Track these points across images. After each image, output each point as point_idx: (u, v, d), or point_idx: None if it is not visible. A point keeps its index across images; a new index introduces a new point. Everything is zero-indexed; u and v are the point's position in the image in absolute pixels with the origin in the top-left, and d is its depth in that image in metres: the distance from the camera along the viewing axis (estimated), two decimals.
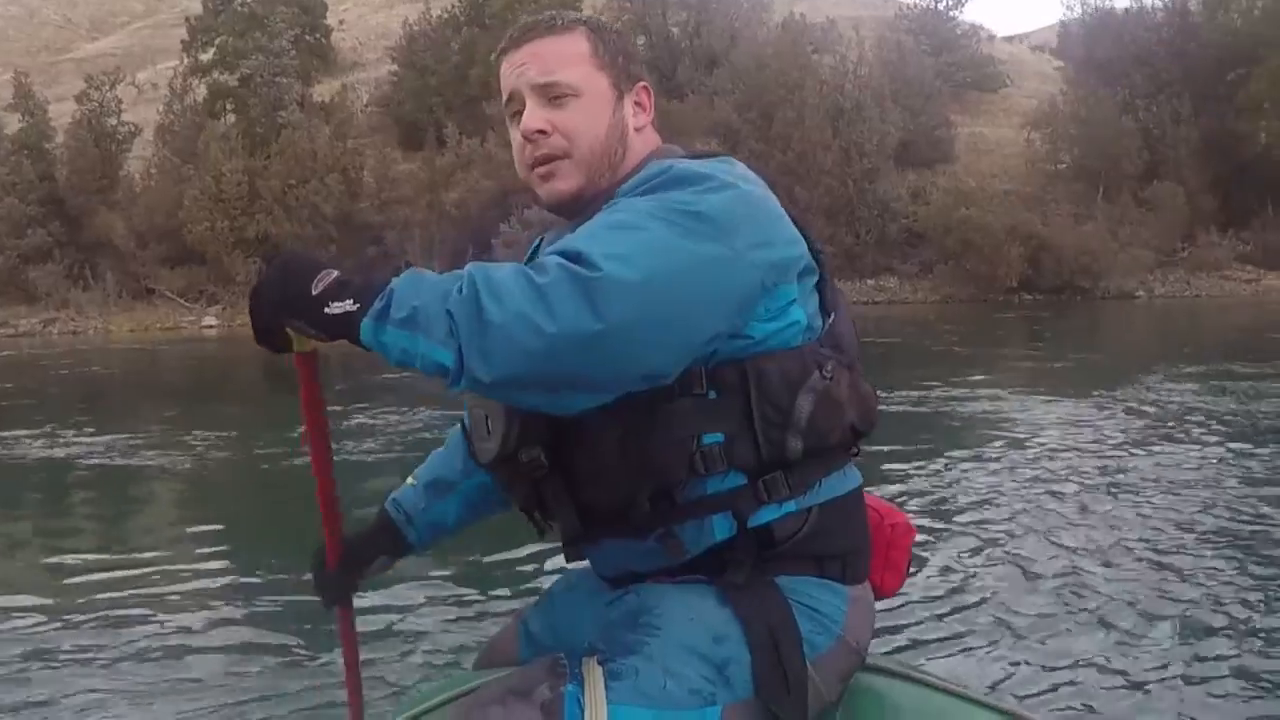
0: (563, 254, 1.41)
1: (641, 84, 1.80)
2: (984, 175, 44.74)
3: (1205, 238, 40.51)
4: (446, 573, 5.37)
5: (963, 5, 52.87)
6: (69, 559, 6.03)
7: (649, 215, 1.47)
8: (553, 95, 1.70)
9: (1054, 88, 54.49)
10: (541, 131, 1.70)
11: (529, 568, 5.42)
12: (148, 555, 6.13)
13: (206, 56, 47.48)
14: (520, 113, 1.74)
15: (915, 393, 12.23)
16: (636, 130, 1.78)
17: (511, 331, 1.35)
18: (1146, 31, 44.98)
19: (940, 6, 52.29)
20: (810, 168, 38.72)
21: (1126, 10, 45.84)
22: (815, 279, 1.67)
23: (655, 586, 1.66)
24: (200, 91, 47.96)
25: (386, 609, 4.77)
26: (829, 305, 1.69)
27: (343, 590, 2.09)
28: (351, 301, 1.45)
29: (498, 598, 5.05)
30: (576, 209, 1.73)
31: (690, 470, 1.55)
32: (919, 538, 2.17)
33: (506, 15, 44.55)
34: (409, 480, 2.21)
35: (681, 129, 40.74)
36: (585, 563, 1.87)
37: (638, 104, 1.79)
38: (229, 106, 46.75)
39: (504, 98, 1.77)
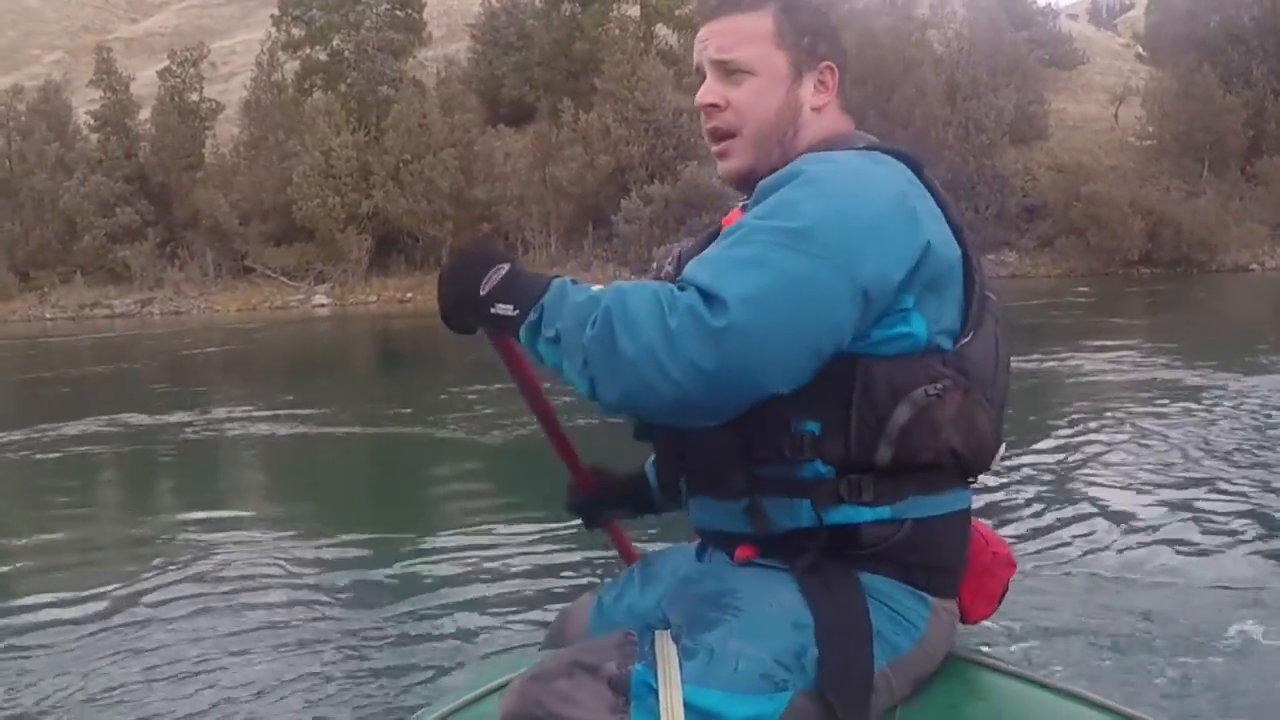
0: (696, 286, 1.43)
1: (826, 63, 1.75)
2: (1079, 151, 45.19)
3: None
4: (532, 552, 5.33)
5: None
6: (217, 533, 6.14)
7: (767, 244, 1.46)
8: (729, 70, 1.72)
9: (1125, 64, 55.38)
10: (714, 105, 1.73)
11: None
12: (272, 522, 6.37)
13: (298, 32, 46.89)
14: (700, 83, 1.77)
15: (1065, 364, 12.37)
16: (814, 110, 1.75)
17: (641, 370, 1.41)
18: (1237, 9, 45.52)
19: None
20: (932, 144, 38.95)
21: None
22: (957, 299, 1.61)
23: (739, 569, 1.67)
24: (290, 67, 47.49)
25: (468, 581, 4.83)
26: (971, 322, 1.62)
27: (594, 513, 2.17)
28: (512, 307, 1.54)
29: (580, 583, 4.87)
30: (749, 184, 1.71)
31: (777, 452, 1.57)
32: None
33: None
34: None
35: None
36: (666, 545, 1.98)
37: (820, 83, 1.75)
38: (318, 82, 46.30)
39: (695, 67, 1.79)
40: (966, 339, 1.61)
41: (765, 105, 1.72)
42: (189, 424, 10.78)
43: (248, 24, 75.31)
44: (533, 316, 1.52)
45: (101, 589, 4.96)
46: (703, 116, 1.76)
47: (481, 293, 1.56)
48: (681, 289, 1.44)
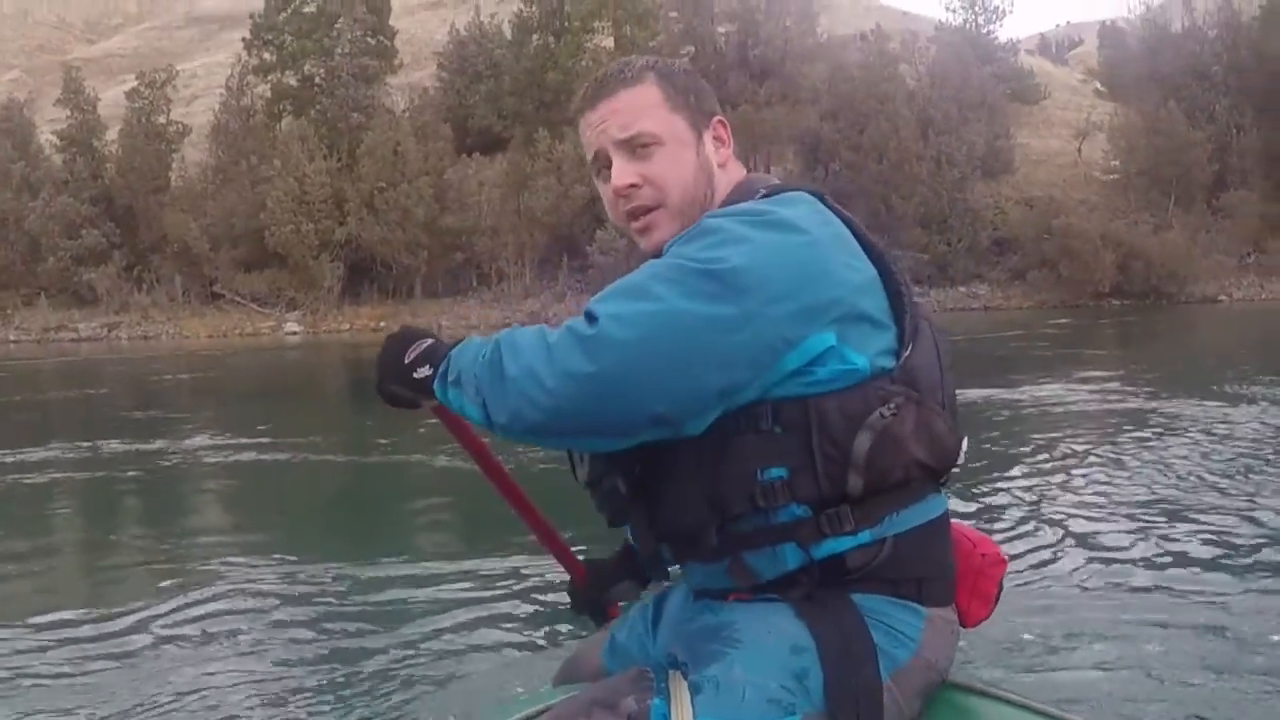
0: (584, 313, 1.54)
1: (717, 118, 1.83)
2: (1044, 185, 45.88)
3: (1274, 243, 42.02)
4: (537, 593, 5.19)
5: (1002, 19, 53.40)
6: (178, 556, 6.10)
7: (657, 278, 1.53)
8: (636, 146, 1.74)
9: (1084, 100, 56.32)
10: (633, 185, 1.74)
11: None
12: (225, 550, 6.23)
13: (269, 56, 46.60)
14: (606, 168, 1.78)
15: (1039, 392, 12.59)
16: (720, 166, 1.81)
17: (522, 385, 1.50)
18: (1199, 45, 46.54)
19: (980, 20, 53.25)
20: (906, 177, 39.41)
21: (1181, 26, 47.15)
22: (887, 317, 1.66)
23: (734, 604, 1.70)
24: (259, 91, 47.15)
25: (474, 625, 4.64)
26: (907, 337, 1.66)
27: (596, 606, 2.26)
28: (428, 367, 1.69)
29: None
30: None
31: (751, 503, 1.59)
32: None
33: (586, 25, 44.84)
34: None
35: (772, 138, 41.31)
36: (667, 582, 2.02)
37: (716, 139, 1.82)
38: (287, 108, 46.02)
39: (589, 155, 1.81)
40: (907, 352, 1.64)
41: (682, 171, 1.75)
42: (162, 450, 10.53)
43: (207, 47, 75.02)
44: (441, 368, 1.66)
45: (61, 619, 4.81)
46: (620, 202, 1.77)
47: (405, 361, 1.72)
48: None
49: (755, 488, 1.58)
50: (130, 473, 9.47)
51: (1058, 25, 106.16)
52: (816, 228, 1.62)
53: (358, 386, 18.41)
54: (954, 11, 52.68)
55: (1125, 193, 44.03)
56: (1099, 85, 57.16)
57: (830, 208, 1.70)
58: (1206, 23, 47.60)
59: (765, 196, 1.71)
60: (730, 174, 1.82)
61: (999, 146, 46.03)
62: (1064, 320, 30.73)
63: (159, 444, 10.95)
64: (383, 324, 39.95)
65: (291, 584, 5.32)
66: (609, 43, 46.10)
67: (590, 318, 1.50)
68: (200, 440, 11.18)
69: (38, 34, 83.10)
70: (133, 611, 4.88)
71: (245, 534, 6.94)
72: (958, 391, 1.79)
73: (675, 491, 1.65)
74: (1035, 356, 19.49)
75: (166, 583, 5.38)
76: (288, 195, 40.16)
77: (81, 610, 4.95)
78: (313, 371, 24.77)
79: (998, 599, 1.85)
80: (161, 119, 48.22)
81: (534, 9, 47.24)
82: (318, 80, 45.78)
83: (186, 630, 4.62)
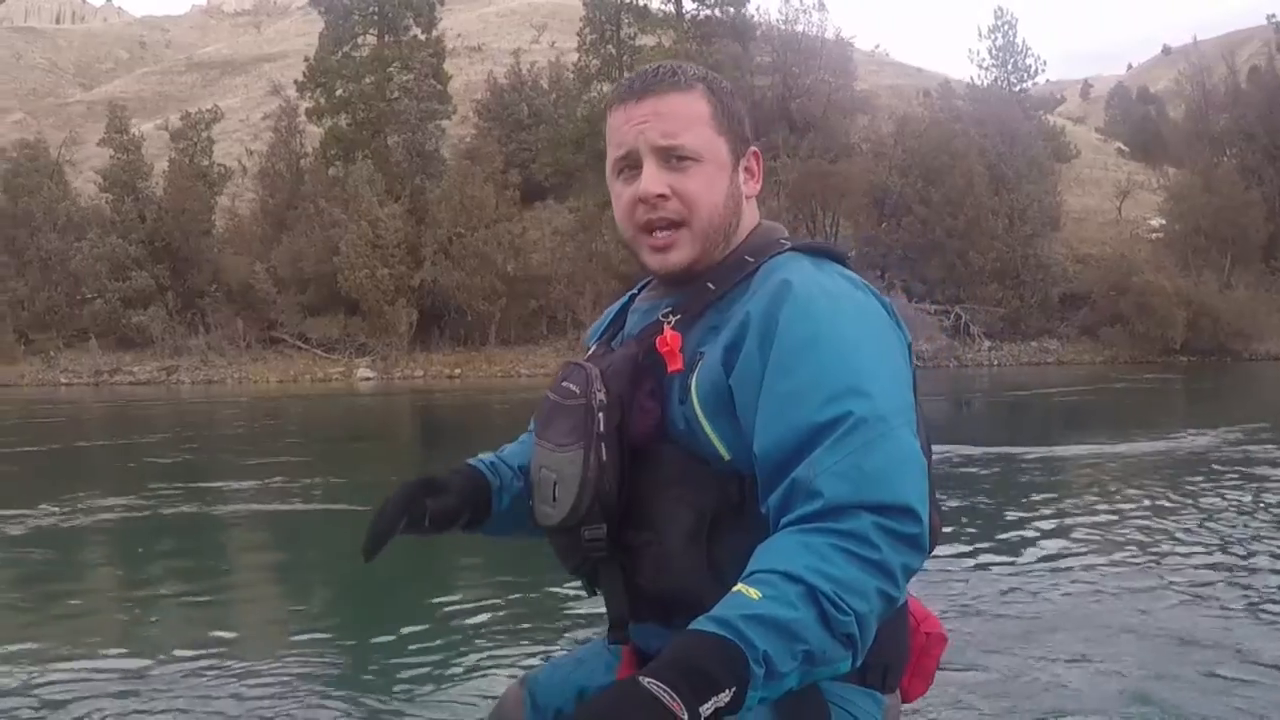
0: (874, 507, 1.40)
1: (753, 149, 1.74)
2: (1093, 242, 46.77)
3: None
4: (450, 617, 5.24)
5: (1034, 79, 54.29)
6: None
7: (892, 415, 1.48)
8: (674, 157, 1.64)
9: (1108, 158, 57.65)
10: (661, 196, 1.64)
11: (528, 625, 5.25)
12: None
13: (322, 99, 46.27)
14: (632, 169, 1.67)
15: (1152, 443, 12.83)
16: (747, 199, 1.73)
17: (880, 615, 1.41)
18: (1244, 108, 47.94)
19: (1012, 79, 54.26)
20: (981, 233, 39.98)
21: (1225, 89, 48.51)
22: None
23: None
24: (308, 135, 46.80)
25: (402, 663, 4.60)
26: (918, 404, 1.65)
27: (382, 536, 1.78)
28: (725, 694, 1.27)
29: (502, 651, 4.78)
30: (685, 280, 1.70)
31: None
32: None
33: None
34: (494, 452, 2.05)
35: (844, 189, 41.71)
36: (603, 639, 1.87)
37: (748, 170, 1.72)
38: (338, 152, 45.66)
39: (616, 151, 1.68)
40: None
41: (714, 194, 1.66)
42: (284, 491, 10.36)
43: (211, 92, 74.28)
44: (759, 672, 1.29)
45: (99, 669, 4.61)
46: (639, 209, 1.66)
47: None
48: (823, 512, 1.40)
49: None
50: (237, 516, 9.24)
51: (1035, 84, 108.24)
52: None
53: (436, 435, 18.63)
54: (986, 69, 53.56)
55: (1172, 251, 44.98)
56: (1121, 145, 58.45)
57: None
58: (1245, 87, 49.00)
59: (791, 250, 1.68)
60: (753, 209, 1.75)
61: (1048, 204, 46.88)
62: (1148, 376, 31.36)
63: (277, 483, 10.82)
64: (458, 370, 39.59)
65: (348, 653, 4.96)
66: None
67: (903, 512, 1.40)
68: (304, 483, 10.96)
69: (30, 78, 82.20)
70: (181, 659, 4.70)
71: (314, 588, 6.71)
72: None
73: (670, 554, 1.58)
74: (1132, 409, 20.42)
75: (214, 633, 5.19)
76: (361, 239, 39.65)
77: (124, 653, 4.84)
78: (395, 418, 24.34)
79: (934, 675, 1.82)
80: (205, 161, 47.68)
81: (591, 59, 47.45)
82: (370, 122, 45.48)
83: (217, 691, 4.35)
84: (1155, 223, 47.39)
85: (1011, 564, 6.30)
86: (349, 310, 41.05)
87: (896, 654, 1.67)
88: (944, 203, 40.50)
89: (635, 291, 1.89)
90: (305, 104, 46.68)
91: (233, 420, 22.31)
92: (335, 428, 21.15)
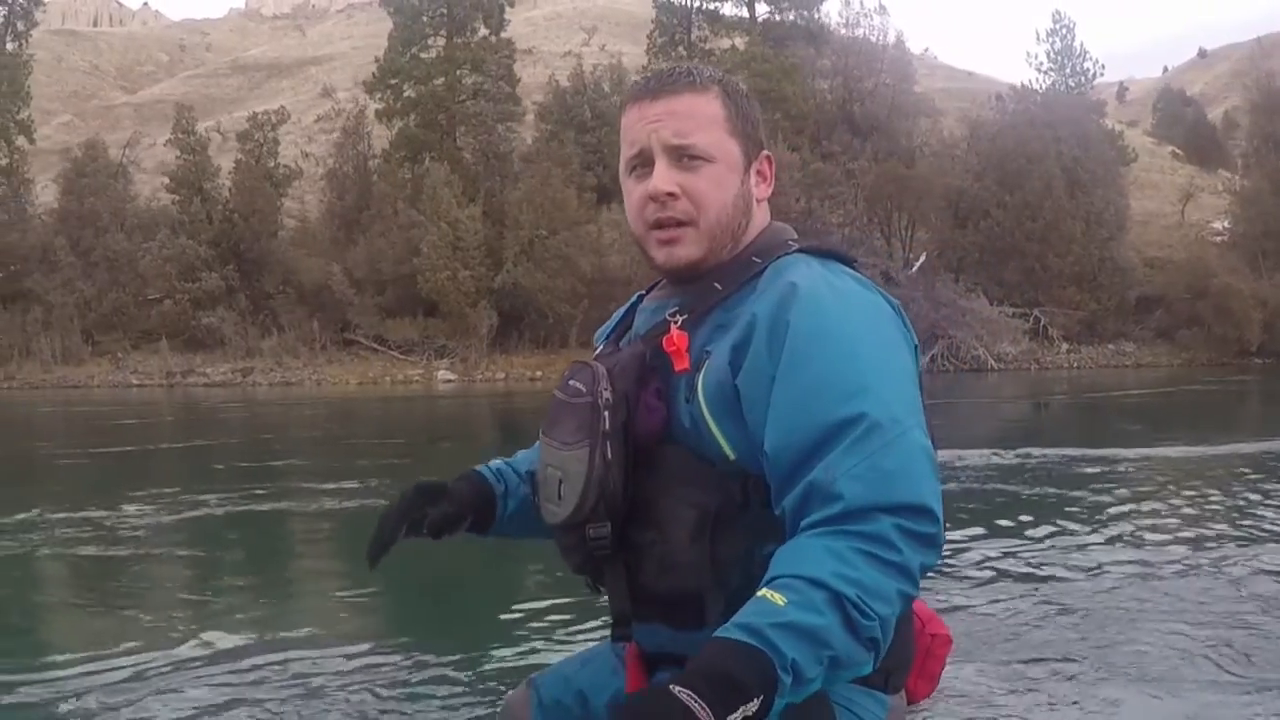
0: (892, 508, 1.43)
1: (765, 153, 1.78)
2: (1158, 245, 46.87)
3: None
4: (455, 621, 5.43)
5: (1092, 81, 54.43)
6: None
7: (905, 415, 1.51)
8: (685, 156, 1.68)
9: (1163, 161, 57.83)
10: (671, 194, 1.68)
11: (537, 624, 5.42)
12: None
13: (391, 101, 46.32)
14: (645, 167, 1.71)
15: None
16: (758, 201, 1.77)
17: (899, 614, 1.44)
18: None
19: (1070, 83, 54.36)
20: (1060, 236, 40.11)
21: None
22: None
23: None
24: (375, 136, 46.89)
25: (400, 665, 4.71)
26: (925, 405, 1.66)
27: (385, 542, 1.91)
28: (754, 703, 1.30)
29: (506, 656, 4.90)
30: (691, 278, 1.73)
31: (745, 577, 1.53)
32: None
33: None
34: (504, 459, 2.13)
35: (922, 192, 41.80)
36: (608, 639, 1.92)
37: (759, 173, 1.77)
38: (407, 154, 45.70)
39: (630, 149, 1.73)
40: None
41: (724, 195, 1.70)
42: (356, 491, 10.67)
43: (258, 95, 74.37)
44: (786, 680, 1.32)
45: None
46: (649, 206, 1.70)
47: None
48: (843, 515, 1.42)
49: (753, 563, 1.54)
50: (324, 514, 9.52)
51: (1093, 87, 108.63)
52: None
53: (518, 436, 18.58)
54: (1045, 73, 53.63)
55: (1240, 254, 44.99)
56: (1176, 149, 58.60)
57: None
58: None
59: (825, 260, 1.70)
60: (764, 212, 1.79)
61: (1120, 206, 46.97)
62: (1228, 379, 31.56)
63: (362, 484, 11.16)
64: (539, 372, 39.66)
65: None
66: None
67: (922, 513, 1.44)
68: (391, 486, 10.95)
69: (72, 80, 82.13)
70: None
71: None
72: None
73: (674, 553, 1.60)
74: (1216, 410, 21.62)
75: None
76: (442, 241, 39.68)
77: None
78: (477, 419, 24.39)
79: (940, 676, 1.85)
80: (271, 162, 47.76)
81: (660, 62, 47.49)
82: (440, 121, 45.51)
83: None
84: (1219, 225, 47.43)
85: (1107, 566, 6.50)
86: (427, 312, 41.06)
87: (901, 655, 1.67)
88: (1021, 206, 40.61)
89: (644, 292, 1.93)
90: (375, 105, 46.63)
91: (317, 421, 22.65)
92: (418, 429, 21.27)
